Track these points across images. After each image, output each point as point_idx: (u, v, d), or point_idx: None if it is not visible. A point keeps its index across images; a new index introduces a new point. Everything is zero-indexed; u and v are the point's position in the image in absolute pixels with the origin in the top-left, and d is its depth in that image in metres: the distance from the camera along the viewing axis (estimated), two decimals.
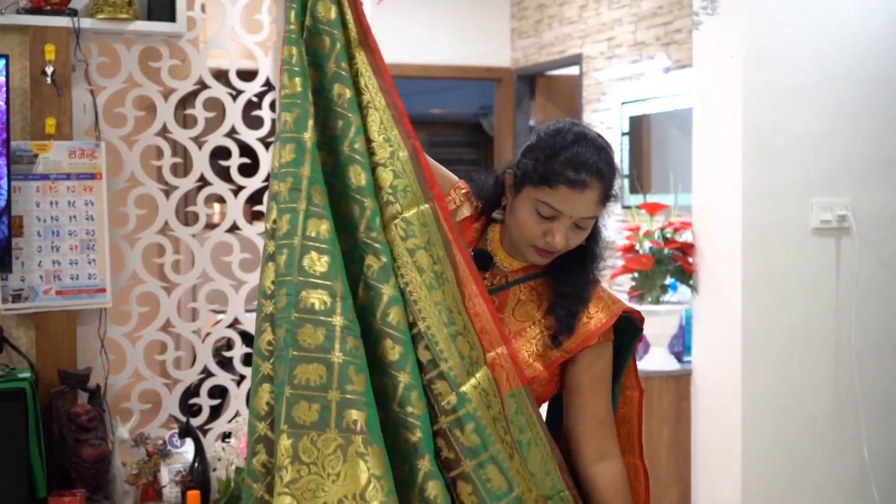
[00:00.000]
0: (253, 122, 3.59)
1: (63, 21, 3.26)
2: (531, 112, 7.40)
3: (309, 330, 1.73)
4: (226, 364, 3.67)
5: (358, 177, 1.83)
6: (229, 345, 3.71)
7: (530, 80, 7.36)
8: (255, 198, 3.53)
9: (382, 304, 1.79)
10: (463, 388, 1.81)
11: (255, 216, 3.81)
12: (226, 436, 3.50)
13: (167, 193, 3.51)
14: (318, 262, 1.76)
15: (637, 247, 4.42)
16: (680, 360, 4.40)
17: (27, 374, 3.17)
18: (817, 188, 4.05)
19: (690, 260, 4.24)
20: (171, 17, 3.41)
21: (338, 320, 1.74)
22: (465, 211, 2.16)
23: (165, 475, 3.37)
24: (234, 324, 3.63)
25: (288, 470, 1.68)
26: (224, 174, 3.58)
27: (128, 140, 3.46)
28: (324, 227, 1.78)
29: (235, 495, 3.16)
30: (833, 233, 4.08)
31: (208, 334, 3.65)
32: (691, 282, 4.26)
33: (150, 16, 3.40)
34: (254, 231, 3.59)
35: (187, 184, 3.52)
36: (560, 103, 7.32)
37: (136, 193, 3.50)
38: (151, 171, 3.52)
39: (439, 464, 1.80)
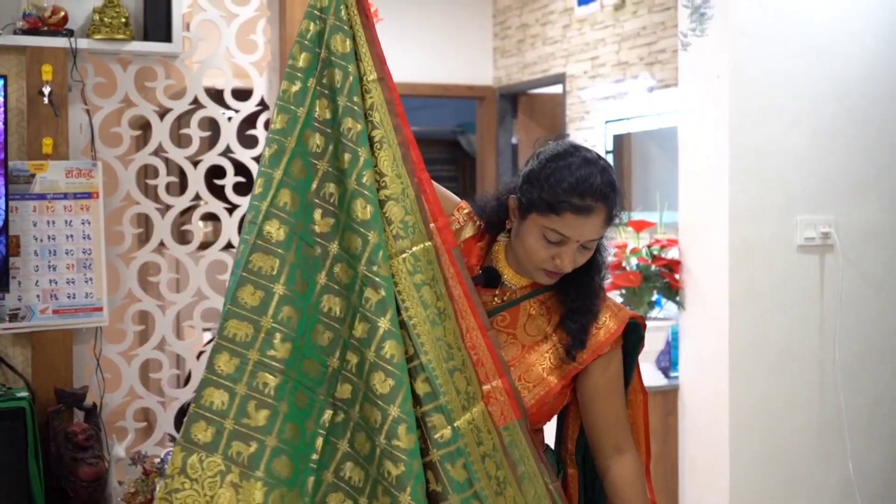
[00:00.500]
0: (247, 142, 3.62)
1: (60, 42, 3.29)
2: (513, 130, 7.46)
3: (224, 357, 1.84)
4: None
5: (363, 210, 1.87)
6: None
7: (513, 99, 7.43)
8: None
9: (378, 336, 1.83)
10: (457, 423, 1.85)
11: None
12: None
13: (162, 212, 3.54)
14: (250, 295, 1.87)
15: (624, 264, 4.47)
16: (667, 375, 4.45)
17: (25, 394, 3.18)
18: (802, 206, 4.11)
19: (677, 277, 4.30)
20: (167, 37, 3.44)
21: (253, 355, 1.84)
22: (469, 231, 2.19)
23: None
24: None
25: (174, 479, 1.82)
26: (219, 193, 3.60)
27: (123, 159, 3.48)
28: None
29: None
30: (817, 250, 4.15)
31: (202, 352, 3.67)
32: (678, 298, 4.31)
33: (147, 36, 3.44)
34: None
35: (182, 202, 3.55)
36: (542, 122, 7.39)
37: (131, 212, 3.52)
38: (147, 190, 3.55)
39: (428, 495, 1.84)
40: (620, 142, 5.97)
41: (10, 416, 3.03)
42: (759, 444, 4.07)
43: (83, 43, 3.33)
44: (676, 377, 4.37)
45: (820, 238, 4.12)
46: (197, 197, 3.58)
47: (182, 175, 3.58)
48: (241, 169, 3.60)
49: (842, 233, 4.15)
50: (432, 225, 1.94)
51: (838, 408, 4.16)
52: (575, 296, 2.09)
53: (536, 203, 1.99)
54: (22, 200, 3.27)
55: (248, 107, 3.63)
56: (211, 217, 3.63)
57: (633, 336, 2.16)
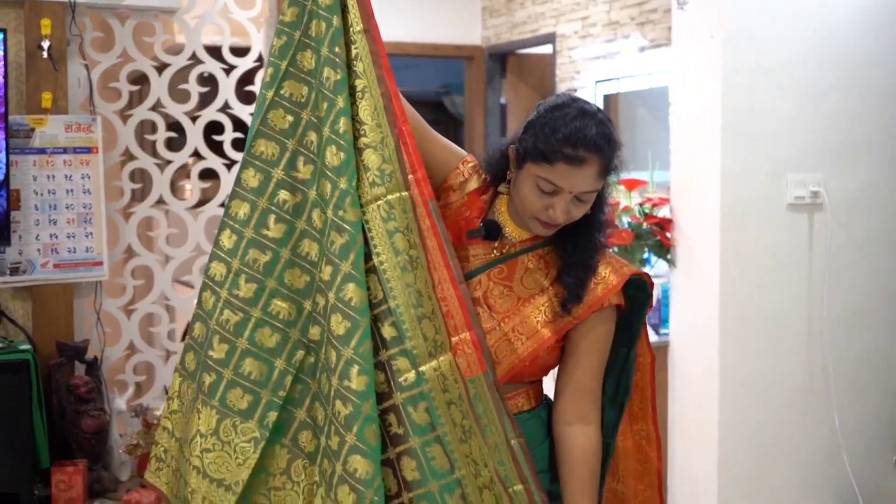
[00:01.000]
0: (246, 97, 3.63)
1: None
2: (502, 90, 7.46)
3: (206, 294, 2.03)
4: None
5: (335, 157, 1.91)
6: None
7: (502, 59, 7.43)
8: None
9: (339, 279, 1.88)
10: (422, 368, 1.89)
11: None
12: None
13: (161, 168, 3.55)
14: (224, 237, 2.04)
15: (616, 222, 4.51)
16: (657, 332, 4.52)
17: (27, 347, 3.20)
18: (792, 165, 4.16)
19: (668, 235, 4.34)
20: None
21: (223, 294, 1.99)
22: (473, 184, 2.17)
23: None
24: None
25: (173, 401, 2.14)
26: (218, 149, 3.62)
27: (122, 114, 3.49)
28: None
29: None
30: (806, 209, 4.20)
31: None
32: (669, 256, 4.36)
33: None
34: None
35: (181, 158, 3.56)
36: (532, 82, 7.39)
37: (130, 167, 3.53)
38: (146, 146, 3.56)
39: (388, 440, 1.89)
40: (610, 102, 5.99)
41: (14, 368, 3.05)
42: (747, 400, 4.14)
43: None
44: (667, 334, 4.43)
45: (809, 197, 4.17)
46: (195, 153, 3.59)
47: (180, 130, 3.59)
48: (239, 125, 3.61)
49: (831, 192, 4.20)
50: (411, 176, 1.96)
51: (825, 364, 4.23)
52: (573, 250, 2.07)
53: (531, 152, 1.99)
54: (22, 155, 3.27)
55: (247, 63, 3.64)
56: (210, 173, 3.64)
57: (640, 295, 2.14)
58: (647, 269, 4.57)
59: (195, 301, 2.08)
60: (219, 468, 1.97)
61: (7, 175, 3.19)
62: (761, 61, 4.05)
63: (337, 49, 1.94)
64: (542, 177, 1.97)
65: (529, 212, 2.03)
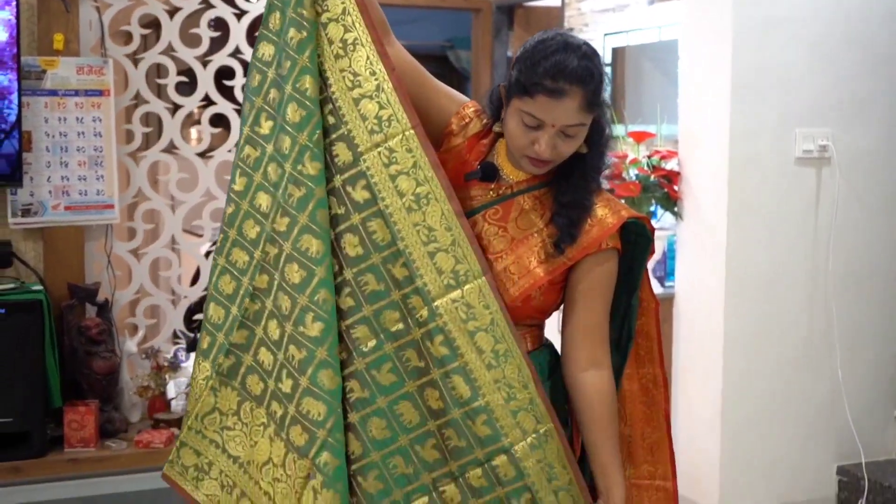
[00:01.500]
0: None
1: None
2: (509, 43, 7.42)
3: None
4: None
5: (295, 113, 1.95)
6: None
7: (509, 11, 7.38)
8: None
9: (296, 230, 1.93)
10: (437, 303, 1.92)
11: None
12: None
13: (171, 112, 3.55)
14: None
15: (623, 174, 4.52)
16: (662, 284, 4.54)
17: (39, 288, 3.22)
18: (801, 119, 4.16)
19: (676, 188, 4.35)
20: None
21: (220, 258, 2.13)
22: (474, 127, 2.15)
23: (171, 389, 3.45)
24: None
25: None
26: (228, 94, 3.62)
27: (133, 58, 3.48)
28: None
29: None
30: (815, 163, 4.20)
31: (212, 251, 3.70)
32: (676, 209, 4.37)
33: None
34: None
35: (192, 103, 3.56)
36: None
37: (141, 111, 3.53)
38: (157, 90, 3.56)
39: (407, 374, 1.93)
40: (619, 55, 5.97)
41: (27, 308, 3.08)
42: (751, 353, 4.17)
43: None
44: (672, 286, 4.46)
45: (818, 151, 4.18)
46: (206, 98, 3.59)
47: (192, 76, 3.58)
48: None
49: (839, 147, 4.21)
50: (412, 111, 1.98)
51: (829, 318, 4.26)
52: (566, 189, 2.05)
53: (515, 87, 1.96)
54: (34, 96, 3.28)
55: (258, 7, 3.62)
56: (220, 119, 3.64)
57: (640, 240, 2.11)
58: (654, 222, 4.58)
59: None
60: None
61: (19, 116, 3.20)
62: (772, 15, 4.04)
63: (300, 10, 1.96)
64: (524, 111, 1.95)
65: (517, 148, 2.01)
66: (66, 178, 3.33)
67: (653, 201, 4.45)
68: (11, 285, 3.21)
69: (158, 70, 3.58)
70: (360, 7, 1.97)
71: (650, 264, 4.46)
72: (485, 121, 2.15)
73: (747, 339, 4.16)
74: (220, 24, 3.61)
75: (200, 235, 3.93)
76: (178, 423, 3.31)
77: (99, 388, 3.28)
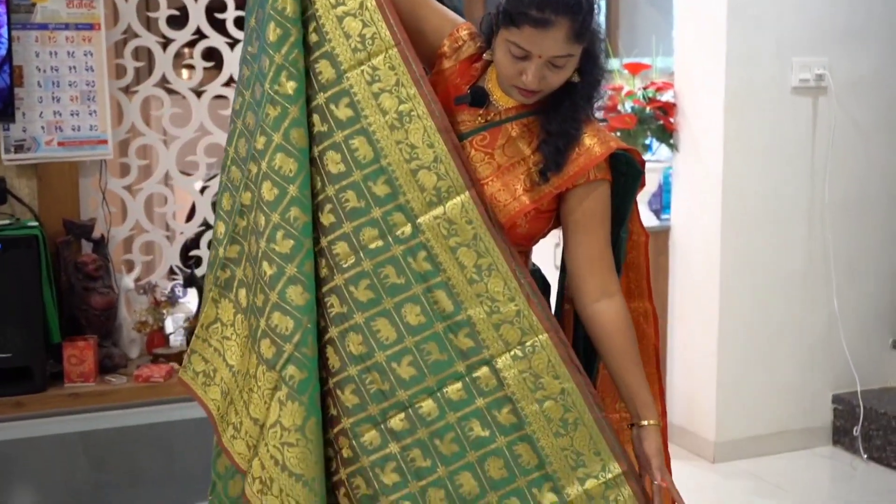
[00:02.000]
0: None
1: None
2: None
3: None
4: None
5: (272, 32, 1.96)
6: None
7: None
8: None
9: (270, 149, 1.96)
10: (420, 220, 1.93)
11: None
12: None
13: (163, 46, 3.51)
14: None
15: (619, 106, 4.49)
16: (658, 217, 4.54)
17: (35, 224, 3.21)
18: (798, 48, 4.13)
19: (672, 119, 4.33)
20: None
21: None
22: (468, 50, 2.11)
23: (169, 324, 3.45)
24: None
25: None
26: (220, 27, 3.57)
27: None
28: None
29: None
30: (811, 92, 4.19)
31: (206, 188, 3.69)
32: (672, 141, 4.36)
33: None
34: None
35: (184, 36, 3.52)
36: None
37: (133, 45, 3.49)
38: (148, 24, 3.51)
39: (385, 291, 1.94)
40: None
41: (23, 243, 3.06)
42: (747, 284, 4.19)
43: None
44: (668, 219, 4.46)
45: (814, 80, 4.16)
46: (198, 31, 3.55)
47: (182, 9, 3.54)
48: (241, 3, 3.55)
49: (836, 76, 4.19)
50: (396, 29, 1.97)
51: (825, 248, 4.27)
52: (553, 118, 2.02)
53: (502, 16, 1.94)
54: (24, 30, 3.23)
55: None
56: (212, 52, 3.60)
57: (631, 171, 2.09)
58: (649, 155, 4.56)
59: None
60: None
61: (10, 51, 3.16)
62: None
63: None
64: (511, 41, 1.92)
65: (506, 78, 1.99)
66: (59, 114, 3.30)
67: (648, 134, 4.43)
68: (7, 221, 3.19)
69: (148, 3, 3.53)
70: None
71: (645, 197, 4.47)
72: (479, 44, 2.11)
73: (743, 270, 4.17)
74: None
75: (190, 174, 3.88)
76: (177, 357, 3.32)
77: (97, 323, 3.28)
